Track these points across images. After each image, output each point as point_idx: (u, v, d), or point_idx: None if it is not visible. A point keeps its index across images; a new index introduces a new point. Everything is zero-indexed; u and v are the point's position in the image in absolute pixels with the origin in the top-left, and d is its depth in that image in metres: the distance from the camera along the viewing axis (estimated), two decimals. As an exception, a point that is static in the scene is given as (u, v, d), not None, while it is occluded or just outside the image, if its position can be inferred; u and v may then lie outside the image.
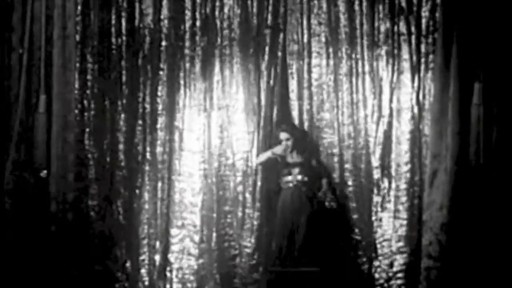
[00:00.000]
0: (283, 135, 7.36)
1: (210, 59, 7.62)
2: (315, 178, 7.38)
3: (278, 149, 7.40)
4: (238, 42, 7.59)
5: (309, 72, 7.56)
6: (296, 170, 7.32)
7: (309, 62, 7.55)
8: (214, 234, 7.57)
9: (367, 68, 7.45)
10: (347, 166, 7.48)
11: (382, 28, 7.38)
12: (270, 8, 7.55)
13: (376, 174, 7.40)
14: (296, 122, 7.58)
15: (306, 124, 7.57)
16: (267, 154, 7.43)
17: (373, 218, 7.40)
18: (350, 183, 7.47)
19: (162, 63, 7.67)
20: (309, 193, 7.28)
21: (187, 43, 7.64)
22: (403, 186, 7.34)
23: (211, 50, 7.61)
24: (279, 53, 7.56)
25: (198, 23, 7.63)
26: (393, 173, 7.37)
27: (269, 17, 7.56)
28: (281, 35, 7.56)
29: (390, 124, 7.38)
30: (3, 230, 7.13)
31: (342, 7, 7.46)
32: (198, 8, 7.62)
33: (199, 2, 7.62)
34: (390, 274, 7.32)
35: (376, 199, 7.40)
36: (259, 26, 7.57)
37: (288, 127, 7.40)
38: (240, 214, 7.55)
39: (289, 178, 7.32)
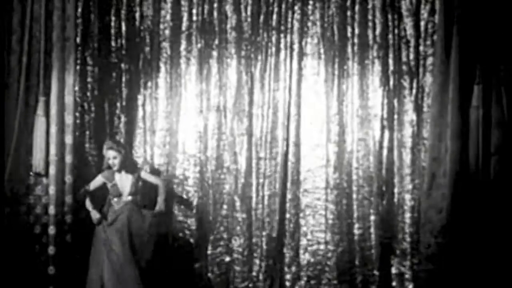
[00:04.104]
0: (110, 153, 7.03)
1: (208, 61, 7.62)
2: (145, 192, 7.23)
3: (97, 181, 7.14)
4: (234, 44, 7.58)
5: (302, 73, 7.52)
6: (126, 190, 7.04)
7: (303, 63, 7.51)
8: (211, 238, 7.57)
9: (359, 70, 7.40)
10: (331, 169, 7.43)
11: (378, 30, 7.37)
12: (264, 10, 7.54)
13: (361, 178, 7.38)
14: (285, 122, 7.51)
15: (294, 125, 7.50)
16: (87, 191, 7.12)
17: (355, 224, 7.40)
18: (332, 186, 7.42)
19: (161, 65, 7.68)
20: (145, 213, 7.05)
21: (185, 45, 7.65)
22: (397, 190, 7.34)
23: (208, 52, 7.62)
24: (273, 54, 7.54)
25: (195, 25, 7.63)
26: (387, 178, 7.36)
27: (264, 19, 7.55)
28: (275, 37, 7.54)
29: (384, 128, 7.36)
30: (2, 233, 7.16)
31: (335, 7, 7.43)
32: (195, 9, 7.63)
33: (196, 4, 7.63)
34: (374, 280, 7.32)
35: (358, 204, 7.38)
36: (254, 28, 7.57)
37: (114, 145, 7.08)
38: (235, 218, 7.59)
39: (122, 198, 7.03)
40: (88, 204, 7.09)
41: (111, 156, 7.03)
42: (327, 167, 7.43)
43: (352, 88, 7.42)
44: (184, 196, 7.58)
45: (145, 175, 7.23)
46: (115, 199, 7.06)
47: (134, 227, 6.95)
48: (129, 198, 7.04)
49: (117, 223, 6.96)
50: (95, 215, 7.03)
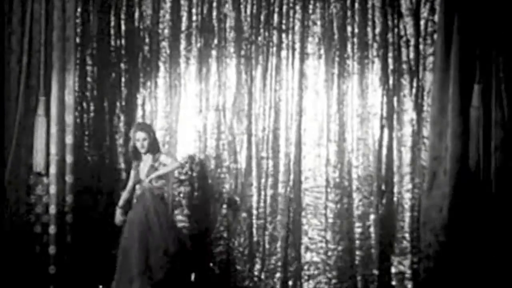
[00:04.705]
0: (140, 135, 6.73)
1: (207, 60, 7.62)
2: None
3: (131, 177, 6.91)
4: (234, 44, 7.58)
5: (302, 72, 7.52)
6: (144, 173, 6.74)
7: (304, 63, 7.50)
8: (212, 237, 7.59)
9: (359, 69, 7.38)
10: (331, 168, 7.42)
11: (378, 29, 7.37)
12: (265, 9, 7.54)
13: (361, 177, 7.36)
14: (286, 122, 7.52)
15: (295, 124, 7.48)
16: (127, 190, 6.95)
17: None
18: (332, 185, 7.41)
19: (161, 65, 7.69)
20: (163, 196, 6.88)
21: (184, 45, 7.65)
22: (396, 189, 7.34)
23: (208, 51, 7.62)
24: (273, 54, 7.54)
25: (195, 25, 7.64)
26: (386, 177, 7.35)
27: (264, 18, 7.55)
28: (275, 36, 7.54)
29: (384, 127, 7.34)
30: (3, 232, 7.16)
31: (336, 7, 7.42)
32: (195, 9, 7.63)
33: (196, 3, 7.63)
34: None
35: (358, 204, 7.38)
36: (253, 27, 7.57)
37: (145, 126, 6.88)
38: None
39: (141, 183, 6.76)
40: (121, 202, 6.89)
41: (141, 137, 6.70)
42: (327, 166, 7.43)
43: (352, 87, 7.40)
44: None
45: (165, 159, 6.79)
46: (138, 185, 6.81)
47: (152, 216, 6.62)
48: (147, 181, 6.70)
49: (131, 213, 6.73)
50: (118, 216, 6.86)
